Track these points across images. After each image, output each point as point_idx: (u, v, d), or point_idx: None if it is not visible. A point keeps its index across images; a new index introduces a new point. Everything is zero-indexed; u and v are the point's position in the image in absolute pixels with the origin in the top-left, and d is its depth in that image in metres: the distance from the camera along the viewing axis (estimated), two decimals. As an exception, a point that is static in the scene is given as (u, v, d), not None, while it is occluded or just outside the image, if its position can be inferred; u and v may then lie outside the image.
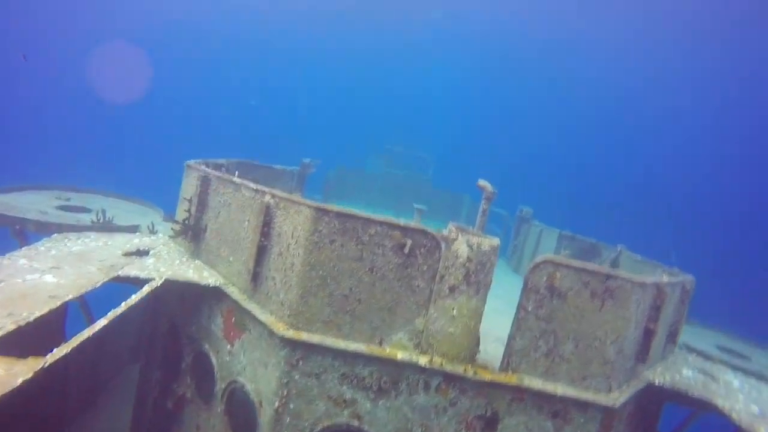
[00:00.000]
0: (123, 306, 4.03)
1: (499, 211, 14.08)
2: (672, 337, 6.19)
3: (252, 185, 4.68)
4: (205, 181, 5.32)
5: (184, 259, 5.33)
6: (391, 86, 42.84)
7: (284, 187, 9.59)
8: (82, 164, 30.39)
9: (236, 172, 5.34)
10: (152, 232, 7.31)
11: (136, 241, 5.83)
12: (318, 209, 4.00)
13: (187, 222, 5.39)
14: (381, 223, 4.06)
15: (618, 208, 36.86)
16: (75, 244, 5.47)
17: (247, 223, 4.70)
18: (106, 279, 4.58)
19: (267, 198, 4.47)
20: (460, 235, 4.23)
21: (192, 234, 5.40)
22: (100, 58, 35.35)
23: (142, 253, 5.44)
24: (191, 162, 5.93)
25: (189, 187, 5.69)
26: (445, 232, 4.47)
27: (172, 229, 5.37)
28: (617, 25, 36.04)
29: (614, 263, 8.58)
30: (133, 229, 7.16)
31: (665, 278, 6.20)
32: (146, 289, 4.42)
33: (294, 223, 4.17)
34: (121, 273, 4.75)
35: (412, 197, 18.20)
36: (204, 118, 44.30)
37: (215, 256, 5.15)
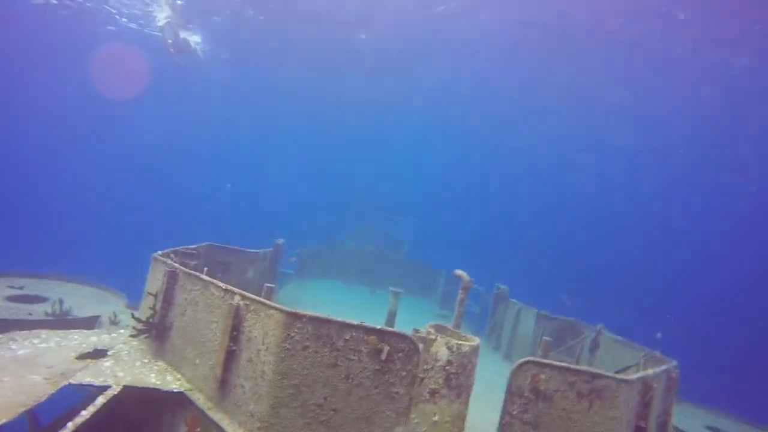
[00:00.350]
0: (71, 426, 3.61)
1: (476, 288, 14.00)
2: (662, 428, 5.97)
3: (221, 285, 4.46)
4: (171, 277, 5.06)
5: (146, 360, 4.94)
6: (368, 159, 43.80)
7: (257, 270, 9.32)
8: (42, 246, 29.23)
9: (205, 269, 5.11)
10: (114, 323, 6.87)
11: (93, 339, 5.40)
12: (290, 314, 3.79)
13: (151, 320, 5.05)
14: (356, 328, 3.86)
15: (595, 285, 37.26)
16: (21, 346, 5.02)
17: (215, 324, 4.42)
18: (53, 391, 4.15)
19: (236, 299, 4.24)
20: (439, 336, 4.06)
21: (156, 333, 5.05)
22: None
23: (99, 353, 5.02)
24: (158, 254, 5.69)
25: (154, 281, 5.41)
26: (423, 331, 4.30)
27: (133, 327, 5.01)
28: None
29: (594, 343, 8.46)
30: (92, 321, 6.71)
31: (648, 366, 6.09)
32: (101, 399, 4.00)
33: (265, 328, 3.94)
34: (72, 381, 4.33)
35: (387, 274, 18.09)
36: (176, 198, 43.88)
37: (180, 357, 4.78)
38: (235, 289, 4.34)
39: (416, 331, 4.54)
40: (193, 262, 6.53)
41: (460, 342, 4.04)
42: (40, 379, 4.29)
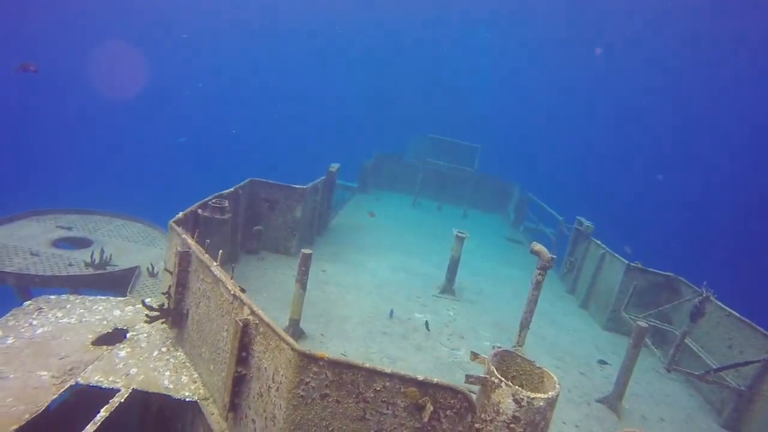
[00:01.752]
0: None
1: (552, 213, 12.46)
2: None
3: (230, 286, 3.58)
4: (184, 258, 4.29)
5: (164, 350, 4.41)
6: (430, 76, 39.72)
7: (307, 207, 8.51)
8: (93, 181, 30.26)
9: (220, 251, 4.26)
10: (152, 274, 6.49)
11: (116, 313, 4.95)
12: (304, 356, 2.86)
13: (165, 306, 4.42)
14: (391, 377, 2.89)
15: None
16: (43, 321, 4.66)
17: (225, 332, 3.65)
18: (56, 395, 3.72)
19: (246, 313, 3.37)
20: (503, 384, 3.00)
21: (172, 320, 4.45)
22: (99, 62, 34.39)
23: (117, 336, 4.56)
24: (176, 219, 4.90)
25: (171, 256, 4.70)
26: (483, 357, 3.26)
27: (146, 315, 4.43)
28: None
29: (697, 311, 7.00)
30: (130, 274, 6.36)
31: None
32: (102, 414, 3.51)
33: (275, 362, 3.08)
34: (80, 380, 3.88)
35: (455, 188, 16.77)
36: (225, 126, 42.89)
37: (197, 353, 4.18)
38: (245, 298, 3.45)
39: (475, 355, 3.51)
40: (224, 216, 5.77)
41: (532, 397, 2.96)
42: (47, 377, 3.87)
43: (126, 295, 6.24)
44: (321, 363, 2.86)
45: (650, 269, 7.80)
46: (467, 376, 3.12)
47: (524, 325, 4.88)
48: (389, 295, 7.51)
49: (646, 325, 5.14)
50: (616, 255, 8.29)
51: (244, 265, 7.46)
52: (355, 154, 17.44)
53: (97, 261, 6.40)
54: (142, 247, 7.38)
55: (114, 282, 6.27)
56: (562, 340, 7.26)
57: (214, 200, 5.99)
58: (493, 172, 17.34)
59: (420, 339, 6.24)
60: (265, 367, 3.17)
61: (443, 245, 11.12)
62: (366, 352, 5.59)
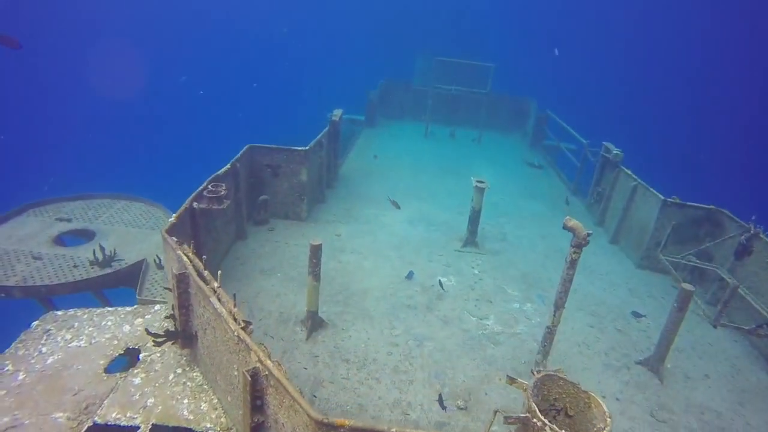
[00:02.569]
0: None
1: (574, 135, 11.60)
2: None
3: (233, 324, 3.20)
4: (182, 281, 3.90)
5: (179, 371, 4.20)
6: None
7: (313, 167, 7.94)
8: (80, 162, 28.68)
9: (219, 272, 3.84)
10: (159, 266, 6.22)
11: (126, 329, 4.71)
12: (322, 425, 2.54)
13: (172, 330, 4.13)
14: (421, 440, 2.56)
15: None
16: (53, 347, 4.47)
17: (236, 372, 3.35)
18: (75, 442, 3.58)
19: (253, 360, 3.02)
20: (548, 428, 2.64)
21: (182, 342, 4.18)
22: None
23: (130, 357, 4.36)
24: (168, 229, 4.46)
25: (169, 270, 4.32)
26: (522, 382, 2.91)
27: (153, 341, 4.16)
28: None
29: (743, 248, 6.49)
30: (137, 269, 6.09)
31: None
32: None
33: (293, 422, 2.77)
34: (97, 419, 3.73)
35: (467, 113, 15.74)
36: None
37: (213, 378, 3.94)
38: (250, 342, 3.08)
39: (512, 380, 3.16)
40: (222, 206, 5.32)
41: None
42: (63, 420, 3.72)
43: (135, 288, 6.04)
44: (342, 431, 2.54)
45: (689, 203, 7.18)
46: (505, 418, 2.79)
47: (559, 305, 4.49)
48: (410, 256, 7.16)
49: (692, 289, 4.69)
50: (651, 189, 7.63)
51: (254, 240, 7.12)
52: (362, 85, 16.30)
53: (101, 258, 6.11)
54: (147, 232, 7.05)
55: (122, 279, 6.03)
56: (594, 289, 6.92)
57: (210, 187, 5.49)
58: (507, 92, 16.13)
59: (446, 309, 5.95)
60: (282, 423, 2.88)
61: (461, 182, 10.59)
62: (391, 335, 5.34)
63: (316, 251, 4.84)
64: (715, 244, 6.91)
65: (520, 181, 11.48)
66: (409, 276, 6.57)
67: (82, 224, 7.07)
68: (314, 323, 5.23)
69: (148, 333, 4.16)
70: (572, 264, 4.27)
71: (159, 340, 4.10)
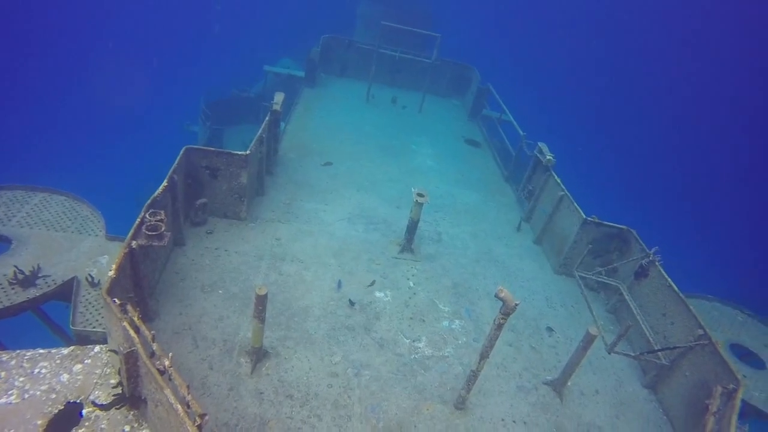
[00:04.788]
0: None
1: (512, 123, 11.95)
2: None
3: (189, 426, 3.35)
4: (130, 358, 3.91)
5: (128, 429, 4.31)
6: None
7: (253, 168, 7.69)
8: None
9: (170, 354, 3.86)
10: (92, 284, 6.02)
11: (64, 379, 4.64)
12: None
13: (118, 395, 4.17)
14: None
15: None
16: (-15, 404, 4.35)
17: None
18: None
19: (208, 470, 3.24)
20: None
21: (130, 404, 4.25)
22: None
23: (71, 415, 4.37)
24: (108, 289, 4.32)
25: (113, 331, 4.26)
26: None
27: (98, 408, 4.17)
28: None
29: (642, 272, 7.42)
30: (68, 289, 5.85)
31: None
32: None
33: None
34: (45, 490, 3.83)
35: (410, 75, 15.51)
36: None
37: (162, 441, 4.12)
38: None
39: None
40: (163, 242, 5.19)
41: None
42: (8, 495, 3.78)
43: (70, 304, 5.86)
44: None
45: (606, 223, 7.92)
46: None
47: (484, 356, 5.03)
48: (349, 264, 7.41)
49: (596, 333, 5.42)
50: (575, 204, 8.28)
51: (193, 248, 6.99)
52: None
53: (21, 276, 5.76)
54: (73, 237, 6.61)
55: (51, 297, 5.78)
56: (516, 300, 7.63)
57: (148, 219, 5.27)
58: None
59: (382, 330, 6.39)
60: None
61: (401, 165, 10.82)
62: (330, 363, 5.72)
63: (261, 300, 4.93)
64: (621, 264, 7.81)
65: (458, 166, 11.83)
66: (339, 286, 6.88)
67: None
68: (258, 356, 5.45)
69: (94, 405, 4.17)
70: (499, 327, 4.75)
71: (107, 403, 4.15)
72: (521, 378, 6.21)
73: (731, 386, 5.22)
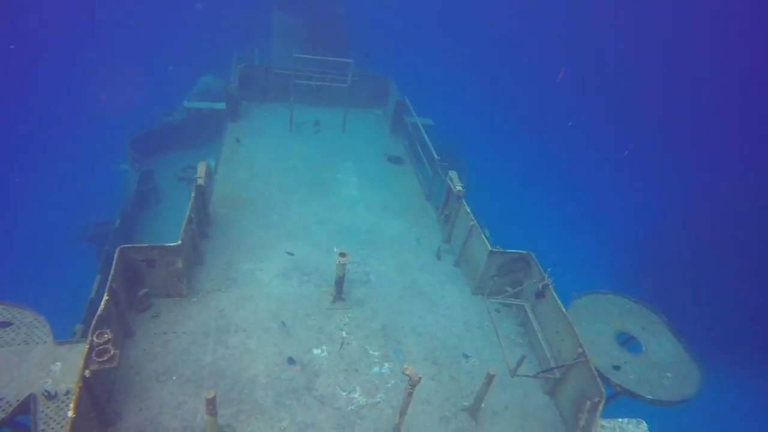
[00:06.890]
0: None
1: (427, 143, 12.92)
2: None
3: None
4: None
5: None
6: None
7: (187, 255, 8.28)
8: None
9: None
10: (50, 397, 6.60)
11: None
12: None
13: None
14: None
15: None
16: None
17: None
18: None
19: None
20: None
21: None
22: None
23: None
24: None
25: None
26: None
27: None
28: None
29: (541, 293, 8.76)
30: (26, 408, 6.41)
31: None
32: None
33: None
34: None
35: (330, 96, 16.09)
36: None
37: None
38: None
39: None
40: (114, 364, 5.87)
41: None
42: None
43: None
44: None
45: (509, 250, 9.16)
46: None
47: (403, 413, 6.16)
48: (288, 324, 8.29)
49: (494, 374, 6.66)
50: (483, 235, 9.45)
51: (143, 337, 7.63)
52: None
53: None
54: (20, 349, 7.05)
55: (9, 422, 6.29)
56: (438, 329, 8.80)
57: (95, 342, 5.90)
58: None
59: (322, 386, 7.38)
60: None
61: (329, 199, 11.71)
62: (280, 429, 6.69)
63: (211, 401, 5.77)
64: (523, 287, 9.16)
65: (382, 189, 12.78)
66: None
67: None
68: (215, 442, 6.34)
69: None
70: (409, 395, 5.85)
71: None
72: (443, 408, 7.44)
73: (596, 399, 6.64)
